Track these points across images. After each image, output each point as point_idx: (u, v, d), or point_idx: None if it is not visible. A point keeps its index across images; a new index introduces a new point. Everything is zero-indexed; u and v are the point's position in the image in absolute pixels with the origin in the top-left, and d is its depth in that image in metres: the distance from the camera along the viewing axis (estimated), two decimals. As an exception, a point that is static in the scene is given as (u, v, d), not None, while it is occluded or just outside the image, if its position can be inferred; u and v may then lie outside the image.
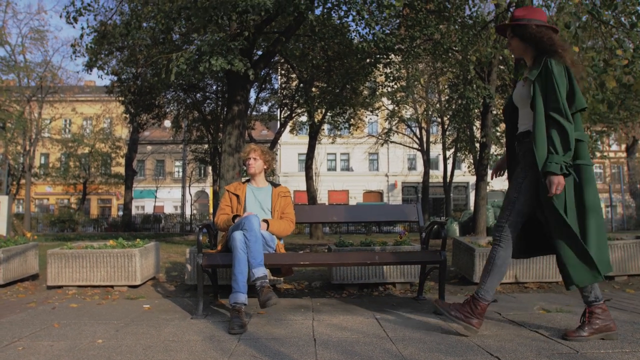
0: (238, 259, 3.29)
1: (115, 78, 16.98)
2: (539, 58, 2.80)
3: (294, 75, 16.85)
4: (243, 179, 4.13)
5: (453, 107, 18.11)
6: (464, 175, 29.40)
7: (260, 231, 3.39)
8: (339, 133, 19.95)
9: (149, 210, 37.07)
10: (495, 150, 20.36)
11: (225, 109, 12.85)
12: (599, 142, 22.69)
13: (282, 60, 16.08)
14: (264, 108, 21.39)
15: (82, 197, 32.79)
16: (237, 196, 3.85)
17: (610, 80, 5.65)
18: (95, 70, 12.47)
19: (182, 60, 8.51)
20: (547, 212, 2.72)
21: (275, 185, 4.00)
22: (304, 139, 24.86)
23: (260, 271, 3.27)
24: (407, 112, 24.15)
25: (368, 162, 39.74)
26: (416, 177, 36.90)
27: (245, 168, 3.95)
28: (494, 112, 15.54)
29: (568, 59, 2.78)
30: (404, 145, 27.74)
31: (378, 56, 11.63)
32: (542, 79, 2.73)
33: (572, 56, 2.84)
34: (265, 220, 3.65)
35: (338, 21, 10.56)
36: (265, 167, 3.95)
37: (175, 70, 8.55)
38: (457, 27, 10.17)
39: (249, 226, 3.34)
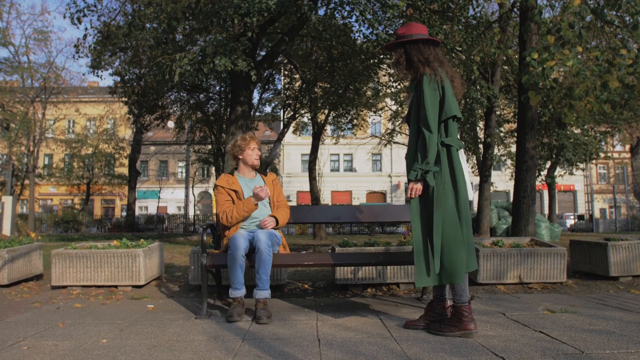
0: (264, 261, 3.36)
1: (119, 79, 17.02)
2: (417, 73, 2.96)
3: (297, 76, 16.83)
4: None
5: (456, 107, 18.05)
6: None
7: (270, 253, 3.40)
8: (342, 134, 19.89)
9: (152, 210, 37.15)
10: (498, 150, 20.34)
11: (229, 110, 12.86)
12: (603, 143, 22.62)
13: (286, 61, 16.07)
14: (267, 109, 21.37)
15: (86, 198, 32.86)
16: (236, 192, 3.72)
17: (613, 81, 5.64)
18: (98, 71, 12.46)
19: (185, 61, 8.52)
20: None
21: (263, 174, 3.92)
22: (307, 140, 24.86)
23: (266, 294, 3.38)
24: (411, 112, 24.12)
25: (371, 163, 39.70)
26: (419, 177, 36.73)
27: (240, 160, 3.81)
28: (498, 112, 15.52)
29: (444, 73, 2.92)
30: (407, 145, 27.78)
31: (382, 56, 11.62)
32: (416, 93, 2.92)
33: (450, 70, 3.00)
34: (273, 216, 3.66)
35: (341, 21, 10.57)
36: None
37: (179, 71, 8.56)
38: (460, 27, 10.15)
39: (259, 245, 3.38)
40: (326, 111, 16.46)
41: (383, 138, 24.62)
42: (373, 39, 9.66)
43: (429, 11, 9.72)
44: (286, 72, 17.79)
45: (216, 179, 23.59)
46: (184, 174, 38.50)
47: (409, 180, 2.90)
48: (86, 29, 11.05)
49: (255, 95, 19.77)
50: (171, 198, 39.93)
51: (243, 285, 3.43)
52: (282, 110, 19.92)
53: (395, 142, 23.48)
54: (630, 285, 4.68)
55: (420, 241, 2.90)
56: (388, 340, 2.79)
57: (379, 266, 4.39)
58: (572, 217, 34.06)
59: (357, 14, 9.30)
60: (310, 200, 17.75)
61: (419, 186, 2.86)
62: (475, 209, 14.87)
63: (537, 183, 14.17)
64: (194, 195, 35.55)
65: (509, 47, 12.55)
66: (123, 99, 17.52)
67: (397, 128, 23.19)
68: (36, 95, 25.15)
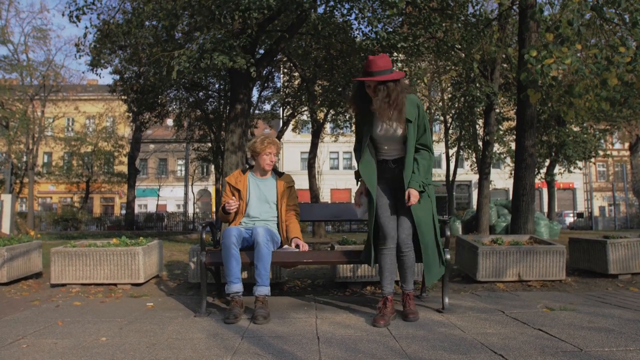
0: (263, 255, 3.34)
1: (118, 77, 17.00)
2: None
3: (296, 74, 16.82)
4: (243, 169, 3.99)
5: (456, 105, 18.09)
6: (467, 173, 29.39)
7: (269, 247, 3.40)
8: (341, 131, 19.89)
9: (151, 208, 37.11)
10: (498, 148, 20.34)
11: (228, 108, 12.85)
12: (602, 141, 22.59)
13: (285, 59, 16.06)
14: (267, 106, 21.39)
15: (85, 196, 32.84)
16: (239, 190, 3.74)
17: (612, 78, 5.63)
18: (97, 69, 12.47)
19: (184, 58, 8.50)
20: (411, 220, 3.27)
21: (279, 174, 3.89)
22: (306, 138, 24.84)
23: (265, 290, 3.38)
24: (410, 110, 24.10)
25: (371, 161, 39.66)
26: (419, 175, 36.78)
27: (255, 160, 3.80)
28: (497, 110, 15.52)
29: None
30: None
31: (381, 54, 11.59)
32: (420, 119, 3.25)
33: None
34: (297, 238, 3.68)
35: (341, 19, 10.54)
36: None
37: (177, 68, 8.54)
38: (460, 25, 10.14)
39: (257, 239, 3.39)
40: (325, 109, 16.45)
41: (383, 136, 24.64)
42: (372, 36, 9.65)
43: (428, 9, 9.71)
44: (285, 70, 17.77)
45: (215, 177, 23.62)
46: (183, 172, 38.48)
47: (412, 189, 3.18)
48: (86, 27, 11.05)
49: (255, 93, 19.73)
50: (170, 196, 39.91)
51: (239, 280, 3.36)
52: (281, 108, 19.93)
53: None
54: (629, 283, 4.69)
55: (432, 242, 3.26)
56: (387, 338, 2.79)
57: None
58: (572, 215, 34.09)
59: (357, 11, 9.29)
60: (309, 198, 17.77)
61: (418, 195, 3.20)
62: (475, 207, 14.89)
63: (537, 181, 14.18)
64: (193, 194, 35.52)
65: (509, 45, 12.54)
66: (122, 97, 17.50)
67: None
68: (35, 93, 25.09)
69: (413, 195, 3.16)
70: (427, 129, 3.27)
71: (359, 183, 3.43)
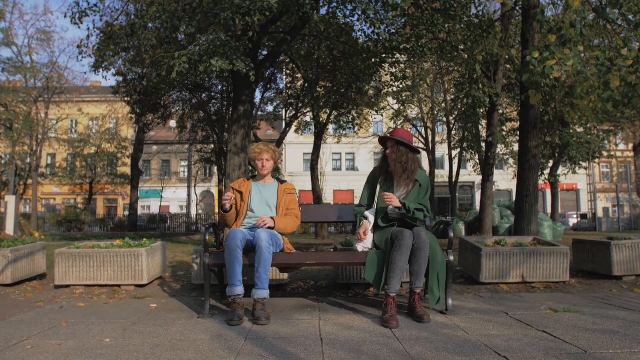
0: (264, 259, 3.35)
1: (121, 78, 17.04)
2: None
3: (299, 75, 16.83)
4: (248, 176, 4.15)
5: (459, 106, 18.07)
6: (470, 175, 29.36)
7: (271, 252, 3.41)
8: (344, 133, 19.86)
9: (154, 210, 37.17)
10: (501, 149, 20.30)
11: (231, 109, 12.86)
12: (606, 142, 22.53)
13: (288, 60, 16.06)
14: (270, 108, 21.38)
15: (89, 197, 32.92)
16: (241, 193, 3.83)
17: (614, 80, 5.61)
18: (100, 70, 12.53)
19: (184, 59, 8.52)
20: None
21: (281, 181, 4.00)
22: (309, 139, 24.84)
23: (265, 293, 3.37)
24: (413, 111, 24.06)
25: (373, 162, 39.59)
26: (422, 176, 36.69)
27: (252, 167, 3.95)
28: (500, 111, 15.49)
29: None
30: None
31: (384, 56, 11.60)
32: (426, 186, 3.71)
33: None
34: (272, 218, 3.66)
35: (343, 21, 10.55)
36: (274, 166, 3.99)
37: (176, 69, 8.55)
38: (463, 26, 10.13)
39: (259, 243, 3.40)
40: (328, 110, 16.45)
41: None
42: (375, 38, 9.65)
43: (431, 10, 9.71)
44: (288, 72, 17.77)
45: (218, 178, 23.63)
46: (186, 174, 38.50)
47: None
48: (88, 29, 11.10)
49: (258, 95, 19.73)
50: (173, 197, 39.94)
51: (241, 283, 3.38)
52: (284, 110, 19.91)
53: (397, 141, 23.42)
54: (633, 285, 4.67)
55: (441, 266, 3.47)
56: (391, 339, 2.79)
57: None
58: (575, 216, 33.97)
59: (359, 13, 9.29)
60: (312, 199, 17.75)
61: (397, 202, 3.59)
62: (478, 208, 14.86)
63: (540, 182, 14.14)
64: (196, 195, 35.54)
65: (512, 46, 12.52)
66: (125, 98, 17.56)
67: (399, 127, 23.12)
68: (39, 95, 25.19)
69: (393, 198, 3.50)
70: (428, 195, 3.70)
71: (361, 223, 3.70)
